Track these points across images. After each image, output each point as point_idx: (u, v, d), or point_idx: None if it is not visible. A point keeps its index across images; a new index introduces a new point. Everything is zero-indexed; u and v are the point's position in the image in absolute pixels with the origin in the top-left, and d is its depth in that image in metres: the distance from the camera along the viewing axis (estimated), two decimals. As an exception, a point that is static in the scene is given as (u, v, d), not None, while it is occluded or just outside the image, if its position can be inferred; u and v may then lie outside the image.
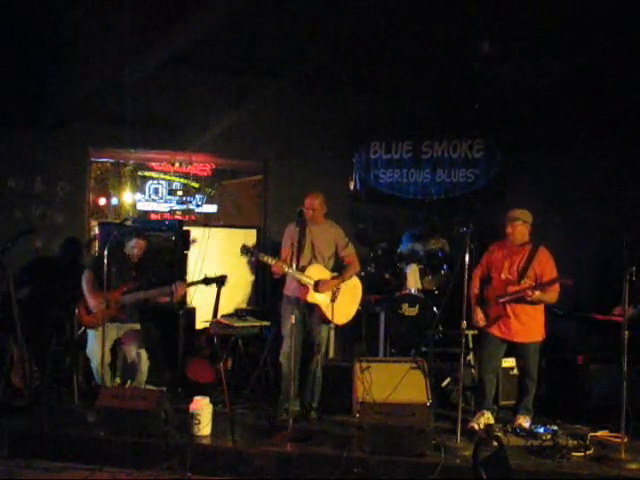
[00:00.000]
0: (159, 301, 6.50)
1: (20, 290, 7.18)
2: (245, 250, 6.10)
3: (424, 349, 6.96)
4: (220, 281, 6.63)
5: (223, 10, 5.05)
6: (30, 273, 7.56)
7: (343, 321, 6.36)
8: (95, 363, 6.31)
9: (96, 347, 6.27)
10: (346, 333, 7.41)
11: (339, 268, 6.38)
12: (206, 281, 6.51)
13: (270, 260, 6.12)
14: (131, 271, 6.53)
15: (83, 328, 6.51)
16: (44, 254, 7.71)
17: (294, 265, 6.06)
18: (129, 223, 6.60)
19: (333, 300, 6.17)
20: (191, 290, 6.97)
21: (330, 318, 6.19)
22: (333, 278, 6.23)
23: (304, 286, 6.11)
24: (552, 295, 5.92)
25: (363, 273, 7.75)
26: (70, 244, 7.78)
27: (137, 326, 6.57)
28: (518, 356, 6.21)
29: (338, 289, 6.23)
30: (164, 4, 5.37)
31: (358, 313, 6.72)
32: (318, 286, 6.12)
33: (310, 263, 6.20)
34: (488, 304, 6.05)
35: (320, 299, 6.16)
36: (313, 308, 6.19)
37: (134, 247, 6.56)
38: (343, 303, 6.26)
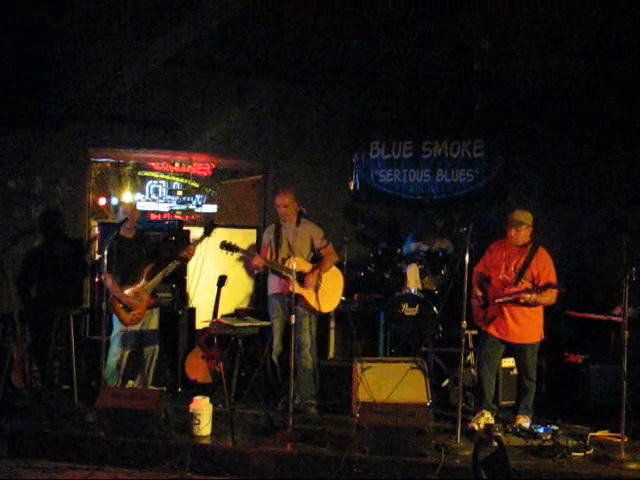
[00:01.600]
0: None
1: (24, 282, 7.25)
2: (225, 246, 6.23)
3: (424, 349, 6.95)
4: (221, 281, 6.72)
5: (223, 10, 5.05)
6: (32, 272, 7.55)
7: (328, 309, 6.61)
8: (116, 353, 6.40)
9: (121, 339, 6.42)
10: (345, 333, 7.42)
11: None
12: (207, 231, 6.52)
13: (249, 255, 6.39)
14: (141, 251, 6.56)
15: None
16: (46, 253, 7.70)
17: (277, 260, 6.33)
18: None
19: (316, 289, 6.37)
20: (191, 291, 6.99)
21: (315, 307, 6.39)
22: (313, 269, 6.42)
23: (286, 279, 6.23)
24: (549, 298, 5.90)
25: (363, 273, 7.77)
26: (73, 243, 7.78)
27: (157, 309, 6.68)
28: (516, 357, 6.20)
29: (320, 278, 6.42)
30: (164, 4, 5.36)
31: (354, 311, 6.82)
32: (302, 281, 6.31)
33: (288, 257, 6.37)
34: (487, 304, 6.05)
35: (303, 289, 6.32)
36: (297, 300, 6.24)
37: (125, 212, 6.58)
38: (326, 291, 6.47)
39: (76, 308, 7.21)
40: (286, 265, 6.28)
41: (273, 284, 6.52)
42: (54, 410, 6.10)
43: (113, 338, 6.47)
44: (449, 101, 8.52)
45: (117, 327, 6.46)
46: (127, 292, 6.36)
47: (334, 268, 6.63)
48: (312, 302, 6.37)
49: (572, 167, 8.15)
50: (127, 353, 6.49)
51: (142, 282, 6.42)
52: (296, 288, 6.15)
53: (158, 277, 6.50)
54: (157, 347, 6.68)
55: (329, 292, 6.50)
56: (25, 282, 7.48)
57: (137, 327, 6.47)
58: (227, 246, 6.25)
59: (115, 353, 6.44)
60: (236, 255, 6.53)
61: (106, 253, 6.08)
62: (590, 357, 6.54)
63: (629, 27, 6.37)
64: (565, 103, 7.94)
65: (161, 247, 7.10)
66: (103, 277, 6.42)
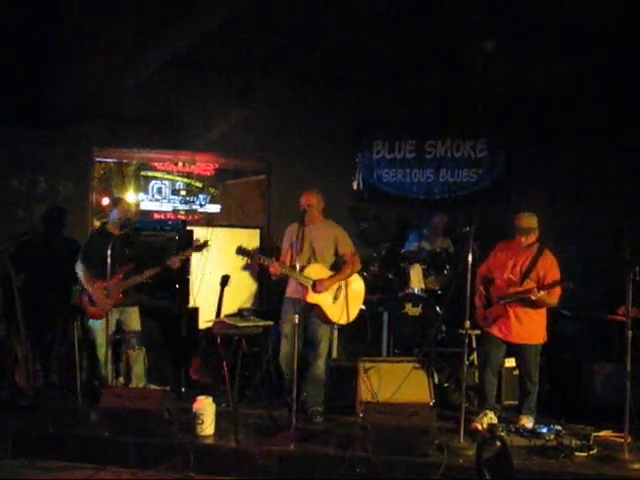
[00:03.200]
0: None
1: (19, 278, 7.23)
2: (241, 251, 5.96)
3: (427, 349, 6.93)
4: (224, 281, 6.65)
5: (225, 10, 5.05)
6: (35, 271, 7.56)
7: (344, 321, 6.25)
8: (102, 352, 6.32)
9: (101, 335, 6.30)
10: (349, 333, 7.41)
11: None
12: (197, 248, 6.48)
13: (267, 261, 6.04)
14: (124, 250, 6.45)
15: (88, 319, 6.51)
16: (49, 252, 7.70)
17: (296, 266, 5.93)
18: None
19: (335, 300, 6.11)
20: (194, 290, 6.98)
21: (331, 318, 6.14)
22: (331, 277, 6.10)
23: (304, 286, 5.98)
24: (554, 299, 5.89)
25: (366, 273, 7.74)
26: (77, 243, 7.78)
27: (136, 309, 6.54)
28: (518, 358, 6.18)
29: (340, 289, 6.14)
30: (167, 4, 5.37)
31: (361, 313, 6.69)
32: (316, 286, 6.02)
33: (309, 263, 6.08)
34: (489, 304, 6.04)
35: (321, 299, 6.06)
36: (313, 309, 6.08)
37: (120, 212, 6.49)
38: (345, 303, 6.16)
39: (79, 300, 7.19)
40: (304, 273, 5.96)
41: (291, 287, 6.23)
42: (57, 409, 6.11)
43: (97, 339, 6.43)
44: (452, 101, 8.52)
45: (95, 328, 6.42)
46: (96, 285, 6.31)
47: (359, 281, 6.33)
48: (329, 313, 6.09)
49: (575, 166, 8.15)
50: (109, 352, 6.37)
51: (115, 279, 6.30)
52: (312, 297, 5.99)
53: (135, 279, 6.35)
54: (143, 348, 6.59)
55: (349, 305, 6.18)
56: (28, 281, 7.48)
57: (113, 327, 6.37)
58: (243, 252, 5.96)
59: (99, 354, 6.41)
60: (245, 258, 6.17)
61: (109, 252, 6.07)
62: (594, 357, 6.53)
63: (633, 29, 6.36)
64: (568, 103, 7.93)
65: (165, 246, 7.07)
66: (76, 267, 6.39)
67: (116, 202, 6.78)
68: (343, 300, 6.16)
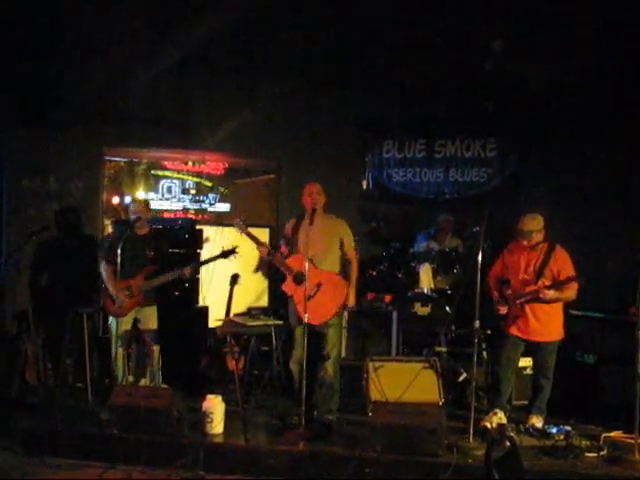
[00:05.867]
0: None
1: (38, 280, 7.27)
2: (237, 224, 5.98)
3: (437, 349, 6.92)
4: (233, 280, 6.64)
5: (235, 11, 5.07)
6: (46, 270, 7.59)
7: (316, 322, 5.75)
8: (118, 350, 6.34)
9: (118, 333, 6.32)
10: (357, 332, 7.41)
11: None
12: (224, 254, 6.35)
13: (257, 240, 5.95)
14: (148, 252, 6.47)
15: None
16: (59, 251, 7.73)
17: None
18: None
19: (309, 297, 5.67)
20: (204, 289, 7.00)
21: (300, 316, 5.71)
22: (349, 286, 5.91)
23: (288, 275, 5.82)
24: (570, 293, 5.87)
25: (375, 272, 7.74)
26: (87, 242, 7.80)
27: (154, 308, 6.52)
28: (535, 355, 6.16)
29: (319, 287, 5.80)
30: (176, 4, 5.39)
31: (369, 311, 6.67)
32: (300, 281, 5.74)
33: (297, 254, 5.82)
34: (507, 304, 6.02)
35: (294, 291, 5.83)
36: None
37: (136, 211, 6.48)
38: (320, 302, 5.78)
39: (89, 306, 7.23)
40: (287, 262, 5.80)
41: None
42: (67, 408, 6.13)
43: (113, 337, 6.45)
44: (462, 100, 8.50)
45: (114, 326, 6.44)
46: (119, 284, 6.32)
47: (338, 278, 5.94)
48: (299, 308, 5.74)
49: (586, 166, 8.11)
50: (128, 352, 6.39)
51: (137, 280, 6.34)
52: (287, 286, 5.86)
53: (155, 281, 6.37)
54: (158, 347, 6.60)
55: (324, 304, 5.79)
56: (39, 280, 7.52)
57: (129, 326, 6.36)
58: (237, 224, 5.98)
59: (116, 352, 6.42)
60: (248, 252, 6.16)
61: (119, 252, 6.09)
62: (604, 357, 6.51)
63: (633, 29, 6.34)
64: (579, 103, 7.90)
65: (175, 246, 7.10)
66: (100, 264, 6.41)
67: (130, 206, 6.75)
68: (319, 299, 5.78)
